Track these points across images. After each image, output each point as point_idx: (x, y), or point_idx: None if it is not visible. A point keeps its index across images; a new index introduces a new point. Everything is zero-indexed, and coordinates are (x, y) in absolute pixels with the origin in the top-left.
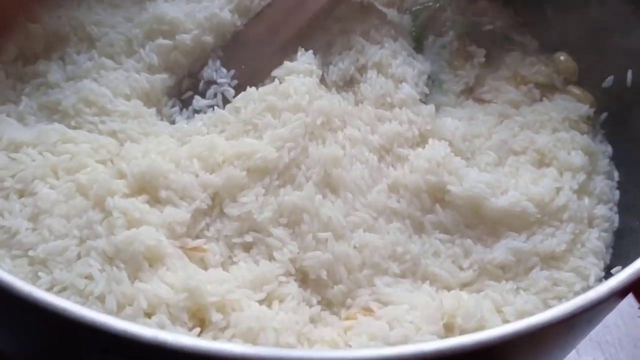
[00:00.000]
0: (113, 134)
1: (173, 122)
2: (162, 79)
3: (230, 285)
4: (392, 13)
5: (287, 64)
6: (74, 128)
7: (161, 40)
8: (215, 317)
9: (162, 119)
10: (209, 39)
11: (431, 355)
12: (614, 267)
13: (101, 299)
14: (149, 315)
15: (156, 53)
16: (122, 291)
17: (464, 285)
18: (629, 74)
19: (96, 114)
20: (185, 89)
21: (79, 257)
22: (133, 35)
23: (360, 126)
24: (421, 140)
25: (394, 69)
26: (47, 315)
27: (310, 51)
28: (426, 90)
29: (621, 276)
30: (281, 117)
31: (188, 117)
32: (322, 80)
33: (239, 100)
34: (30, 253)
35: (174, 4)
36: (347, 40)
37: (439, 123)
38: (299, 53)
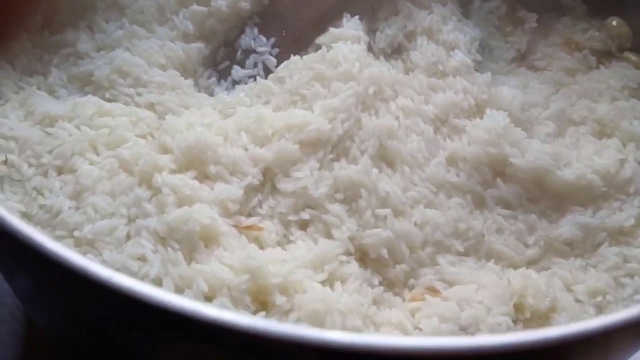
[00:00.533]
0: (151, 106)
1: (211, 94)
2: (198, 48)
3: (291, 265)
4: None
5: (332, 30)
6: (109, 100)
7: (195, 7)
8: (279, 299)
9: (199, 91)
10: (245, 4)
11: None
12: None
13: (157, 282)
14: (209, 298)
15: (191, 20)
16: (179, 273)
17: (529, 263)
18: None
19: (131, 85)
20: (221, 59)
21: (128, 237)
22: (165, 2)
23: (413, 96)
24: (477, 111)
25: (444, 35)
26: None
27: (356, 17)
28: (479, 57)
29: None
30: (331, 86)
31: (227, 89)
32: (369, 48)
33: (283, 69)
34: (76, 234)
35: None
36: (393, 5)
37: (495, 92)
38: (344, 19)
